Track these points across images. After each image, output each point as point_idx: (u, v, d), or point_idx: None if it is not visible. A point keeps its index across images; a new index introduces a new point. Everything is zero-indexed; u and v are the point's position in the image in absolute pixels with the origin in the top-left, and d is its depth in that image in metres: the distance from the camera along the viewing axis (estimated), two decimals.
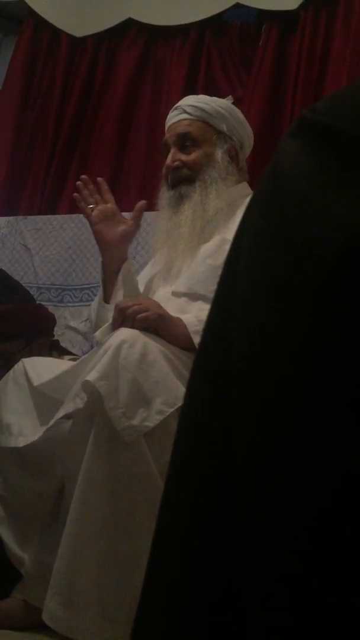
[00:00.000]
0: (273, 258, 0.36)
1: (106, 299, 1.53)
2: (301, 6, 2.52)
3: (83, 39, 3.01)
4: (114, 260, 1.53)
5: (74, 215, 2.54)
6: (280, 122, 2.42)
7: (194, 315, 1.36)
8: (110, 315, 1.47)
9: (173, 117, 1.63)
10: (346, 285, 0.32)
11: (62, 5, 3.02)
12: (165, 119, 2.71)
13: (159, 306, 1.35)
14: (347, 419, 0.32)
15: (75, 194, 1.57)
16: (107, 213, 1.54)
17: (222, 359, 0.39)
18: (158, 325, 1.30)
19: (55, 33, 3.04)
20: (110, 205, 1.56)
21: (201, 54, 2.76)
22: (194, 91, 2.68)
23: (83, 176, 1.59)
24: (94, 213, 1.54)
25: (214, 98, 1.64)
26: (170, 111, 1.67)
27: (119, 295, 1.49)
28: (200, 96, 1.65)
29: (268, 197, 0.38)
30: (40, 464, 1.35)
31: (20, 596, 1.31)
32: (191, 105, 1.60)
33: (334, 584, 0.31)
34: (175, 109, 1.64)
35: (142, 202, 1.57)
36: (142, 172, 2.75)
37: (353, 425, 0.32)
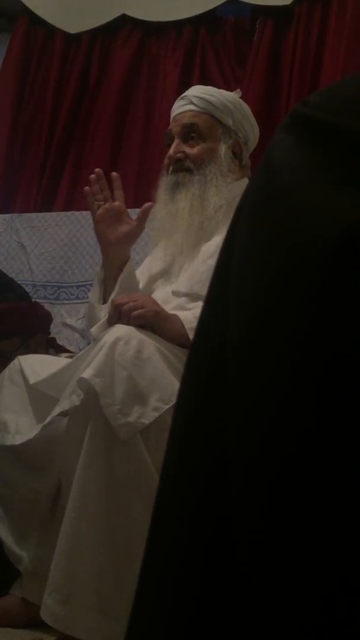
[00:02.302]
0: (265, 251, 0.36)
1: (105, 298, 1.52)
2: (295, 1, 2.52)
3: (77, 36, 3.00)
4: (114, 260, 1.51)
5: (69, 213, 2.54)
6: (275, 117, 2.41)
7: (191, 312, 1.36)
8: (103, 315, 1.47)
9: (179, 107, 1.59)
10: (338, 277, 0.32)
11: (56, 1, 3.01)
12: (160, 115, 2.72)
13: (155, 303, 1.35)
14: (341, 410, 0.32)
15: (86, 188, 1.53)
16: (113, 212, 1.50)
17: (216, 353, 0.39)
18: (154, 322, 1.30)
19: (50, 30, 3.03)
20: (118, 203, 1.51)
21: (196, 50, 2.76)
22: (188, 87, 2.68)
23: (97, 169, 1.54)
24: (99, 211, 1.50)
25: (222, 91, 1.60)
26: (177, 100, 1.63)
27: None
28: (208, 87, 1.61)
29: (261, 191, 0.38)
30: (38, 462, 1.35)
31: (18, 593, 1.32)
32: (198, 97, 1.56)
33: (329, 567, 0.32)
34: (182, 98, 1.60)
35: (149, 204, 1.54)
36: (137, 168, 2.75)
37: (347, 415, 0.32)
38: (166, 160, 1.57)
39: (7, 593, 1.33)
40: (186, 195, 1.50)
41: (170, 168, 1.55)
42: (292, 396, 0.34)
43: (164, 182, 1.57)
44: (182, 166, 1.53)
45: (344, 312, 0.32)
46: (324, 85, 2.34)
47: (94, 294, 1.55)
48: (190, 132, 1.53)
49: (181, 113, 1.57)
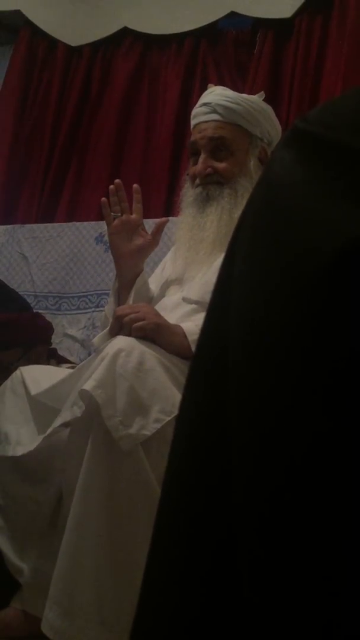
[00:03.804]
0: (266, 264, 0.36)
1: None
2: (296, 14, 2.53)
3: (79, 48, 3.03)
4: (127, 273, 1.51)
5: (70, 224, 2.55)
6: None
7: (194, 324, 1.35)
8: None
9: (202, 115, 1.53)
10: (337, 290, 0.32)
11: (58, 14, 3.04)
12: (161, 127, 2.74)
13: (157, 314, 1.34)
14: (342, 421, 0.32)
15: (103, 199, 1.52)
16: (129, 225, 1.49)
17: (217, 364, 0.39)
18: (154, 334, 1.29)
19: (52, 42, 3.05)
20: (135, 216, 1.50)
21: (197, 62, 2.78)
22: (189, 99, 2.70)
23: (117, 180, 1.52)
24: (114, 222, 1.49)
25: (246, 96, 1.54)
26: (197, 106, 1.56)
27: None
28: (231, 93, 1.53)
29: (262, 204, 0.38)
30: (39, 473, 1.34)
31: (19, 606, 1.31)
32: (223, 106, 1.50)
33: (330, 577, 0.32)
34: (205, 105, 1.53)
35: (164, 220, 1.53)
36: (138, 179, 2.76)
37: (348, 427, 0.32)
38: (191, 173, 1.54)
39: (8, 605, 1.32)
40: (216, 209, 1.47)
41: (197, 181, 1.52)
42: (293, 407, 0.34)
43: (191, 194, 1.53)
44: (211, 179, 1.50)
45: (344, 324, 0.32)
46: (325, 97, 2.35)
47: (108, 305, 1.55)
48: (218, 146, 1.49)
49: (205, 122, 1.51)
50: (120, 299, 1.52)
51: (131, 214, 1.51)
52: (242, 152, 1.50)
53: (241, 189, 1.47)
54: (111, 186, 1.52)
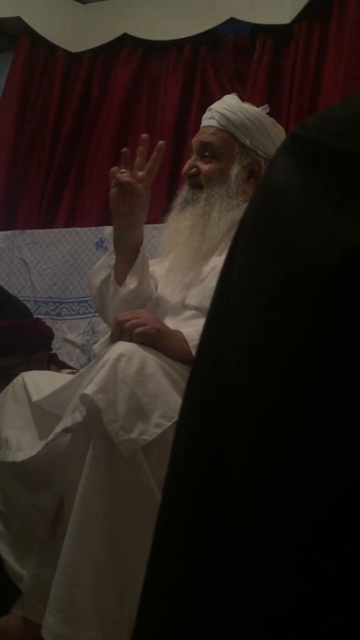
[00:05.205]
0: (265, 272, 0.36)
1: (118, 279, 1.50)
2: (295, 20, 2.55)
3: (79, 55, 3.04)
4: (124, 238, 1.49)
5: (71, 229, 2.56)
6: None
7: (195, 329, 1.36)
8: (117, 299, 1.47)
9: (205, 119, 1.60)
10: (337, 300, 0.32)
11: (59, 21, 3.05)
12: (160, 132, 2.74)
13: (157, 320, 1.35)
14: (345, 436, 0.32)
15: (114, 168, 1.49)
16: (128, 189, 1.46)
17: (217, 372, 0.39)
18: (155, 340, 1.30)
19: (52, 49, 3.07)
20: (141, 176, 1.47)
21: (196, 68, 2.79)
22: (189, 105, 2.71)
23: (144, 135, 1.50)
24: (112, 190, 1.48)
25: (246, 107, 1.57)
26: (208, 109, 1.62)
27: (132, 282, 1.47)
28: (233, 103, 1.58)
29: (260, 211, 0.38)
30: (39, 479, 1.34)
31: (19, 613, 1.30)
32: (220, 113, 1.55)
33: (329, 597, 0.32)
34: (209, 110, 1.60)
35: (162, 143, 1.52)
36: None
37: (351, 442, 0.32)
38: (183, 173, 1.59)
39: (8, 612, 1.32)
40: (191, 214, 1.51)
41: (187, 181, 1.57)
42: (294, 416, 0.34)
43: (180, 195, 1.58)
44: (195, 181, 1.55)
45: (345, 334, 0.32)
46: (323, 103, 2.35)
47: (97, 274, 1.53)
48: (206, 150, 1.54)
49: (205, 127, 1.58)
50: (117, 272, 1.50)
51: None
52: (226, 160, 1.54)
53: (216, 195, 1.50)
54: (143, 135, 1.50)
